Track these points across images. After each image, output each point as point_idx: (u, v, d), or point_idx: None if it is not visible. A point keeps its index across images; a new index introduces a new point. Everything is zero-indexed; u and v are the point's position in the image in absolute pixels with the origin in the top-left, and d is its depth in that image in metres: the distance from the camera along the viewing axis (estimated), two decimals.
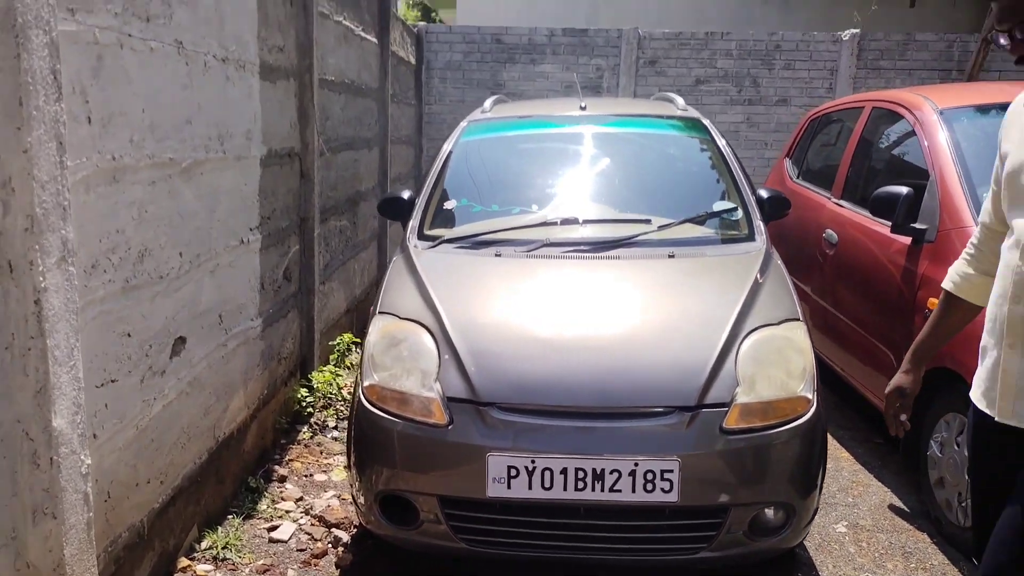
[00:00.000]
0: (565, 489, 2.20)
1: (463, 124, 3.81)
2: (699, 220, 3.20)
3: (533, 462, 2.20)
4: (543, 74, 8.07)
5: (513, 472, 2.21)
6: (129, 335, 2.12)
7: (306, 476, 3.29)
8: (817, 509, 2.42)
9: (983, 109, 3.47)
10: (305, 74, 3.72)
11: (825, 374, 2.49)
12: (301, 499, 3.08)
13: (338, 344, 4.33)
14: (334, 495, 3.13)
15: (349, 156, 4.86)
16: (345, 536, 2.84)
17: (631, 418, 2.26)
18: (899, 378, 1.89)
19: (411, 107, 7.61)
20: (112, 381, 2.03)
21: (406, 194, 3.47)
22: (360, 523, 2.75)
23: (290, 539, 2.79)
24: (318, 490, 3.18)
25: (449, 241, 3.09)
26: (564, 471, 2.19)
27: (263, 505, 2.99)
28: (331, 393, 3.93)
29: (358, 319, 5.24)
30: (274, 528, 2.83)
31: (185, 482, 2.52)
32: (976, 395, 1.65)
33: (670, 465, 2.18)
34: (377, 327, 2.60)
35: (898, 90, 4.16)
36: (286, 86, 3.49)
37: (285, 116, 3.49)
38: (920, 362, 1.88)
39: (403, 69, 6.99)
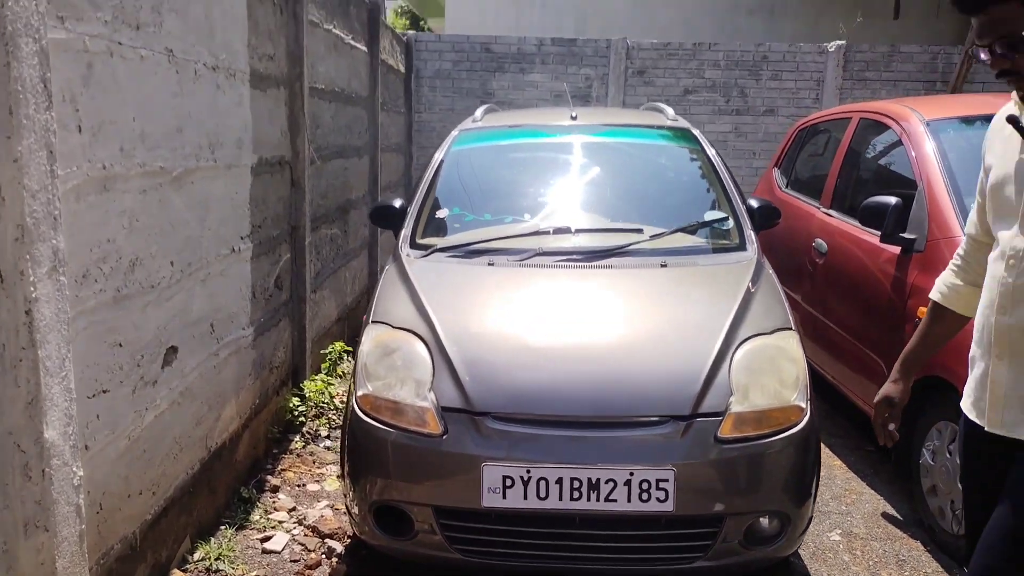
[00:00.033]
0: (561, 499, 2.19)
1: (454, 133, 3.82)
2: (691, 230, 3.21)
3: (528, 472, 2.19)
4: (532, 83, 8.10)
5: (508, 482, 2.20)
6: (120, 345, 2.09)
7: (299, 486, 3.27)
8: (812, 518, 2.43)
9: (968, 120, 3.52)
10: (295, 82, 3.71)
11: (816, 382, 2.50)
12: (294, 509, 3.05)
13: (330, 353, 4.31)
14: (327, 505, 3.11)
15: (339, 164, 4.85)
16: (339, 546, 2.82)
17: (626, 427, 2.26)
18: (888, 388, 1.89)
19: (401, 115, 7.61)
20: (104, 391, 2.01)
21: (397, 203, 3.46)
22: (354, 533, 2.72)
23: (283, 550, 2.76)
24: (311, 500, 3.16)
25: (442, 250, 3.09)
26: (559, 481, 2.19)
27: (256, 515, 2.96)
28: (323, 402, 3.91)
29: (349, 327, 5.22)
30: (267, 539, 2.81)
31: (177, 493, 2.50)
32: (966, 405, 1.66)
33: (665, 474, 2.18)
34: (370, 336, 2.59)
35: (885, 101, 4.21)
36: (276, 94, 3.48)
37: (276, 124, 3.48)
38: (909, 372, 1.89)
39: (393, 77, 6.99)
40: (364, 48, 5.55)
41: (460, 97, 8.11)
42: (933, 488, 2.94)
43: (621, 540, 2.28)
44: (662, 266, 2.90)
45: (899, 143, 3.62)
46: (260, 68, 3.21)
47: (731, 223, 3.27)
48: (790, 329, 2.55)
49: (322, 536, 2.87)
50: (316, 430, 3.77)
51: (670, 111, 4.08)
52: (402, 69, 7.63)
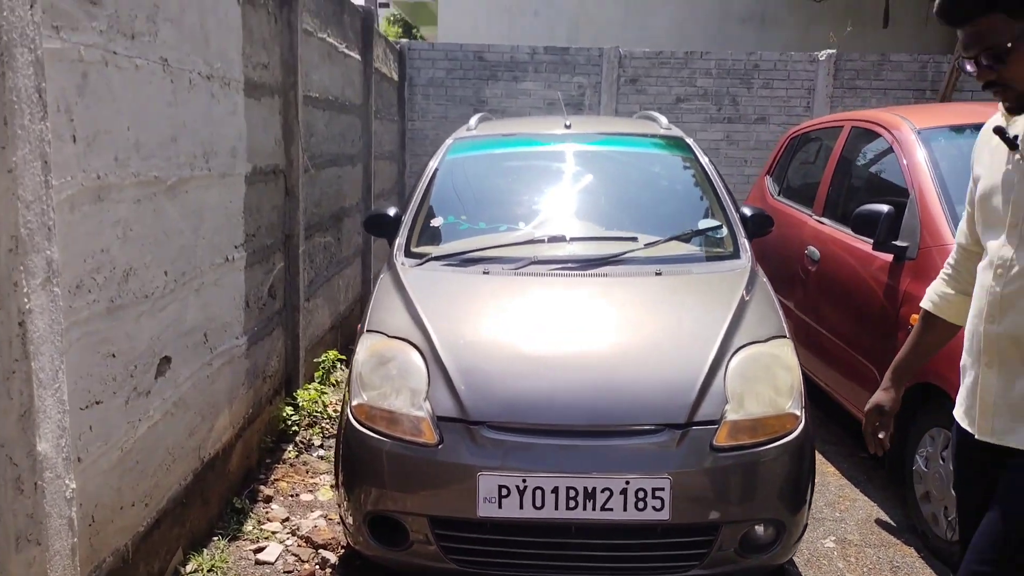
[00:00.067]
0: (556, 508, 2.19)
1: (449, 141, 3.82)
2: (685, 238, 3.22)
3: (524, 481, 2.19)
4: (525, 91, 8.13)
5: (504, 491, 2.19)
6: (114, 356, 2.08)
7: (292, 496, 3.25)
8: (806, 525, 2.43)
9: (959, 129, 3.54)
10: (290, 91, 3.71)
11: (809, 389, 2.51)
12: (287, 519, 3.04)
13: (323, 361, 4.30)
14: (321, 515, 3.09)
15: (333, 172, 4.85)
16: (333, 557, 2.80)
17: (622, 436, 2.26)
18: (879, 396, 1.90)
19: (394, 123, 7.62)
20: (97, 403, 1.99)
21: (392, 211, 3.46)
22: (348, 544, 2.71)
23: (276, 561, 2.75)
24: (304, 510, 3.14)
25: (436, 258, 3.08)
26: (555, 490, 2.18)
27: (249, 526, 2.94)
28: (316, 411, 3.89)
29: (343, 335, 5.20)
30: (260, 550, 2.79)
31: (170, 504, 2.48)
32: (959, 413, 1.68)
33: (661, 483, 2.18)
34: (365, 346, 2.58)
35: (876, 110, 4.24)
36: (271, 103, 3.48)
37: (270, 133, 3.48)
38: (900, 380, 1.89)
39: (386, 86, 7.00)
40: (358, 56, 5.55)
41: (453, 105, 8.13)
42: (926, 494, 2.95)
43: (617, 549, 2.27)
44: (657, 274, 2.90)
45: (891, 151, 3.65)
46: (254, 77, 3.21)
47: (725, 231, 3.28)
48: (785, 337, 2.56)
49: (316, 546, 2.86)
50: (309, 439, 3.75)
51: (663, 120, 4.10)
52: (395, 77, 7.64)
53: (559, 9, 11.25)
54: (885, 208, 3.25)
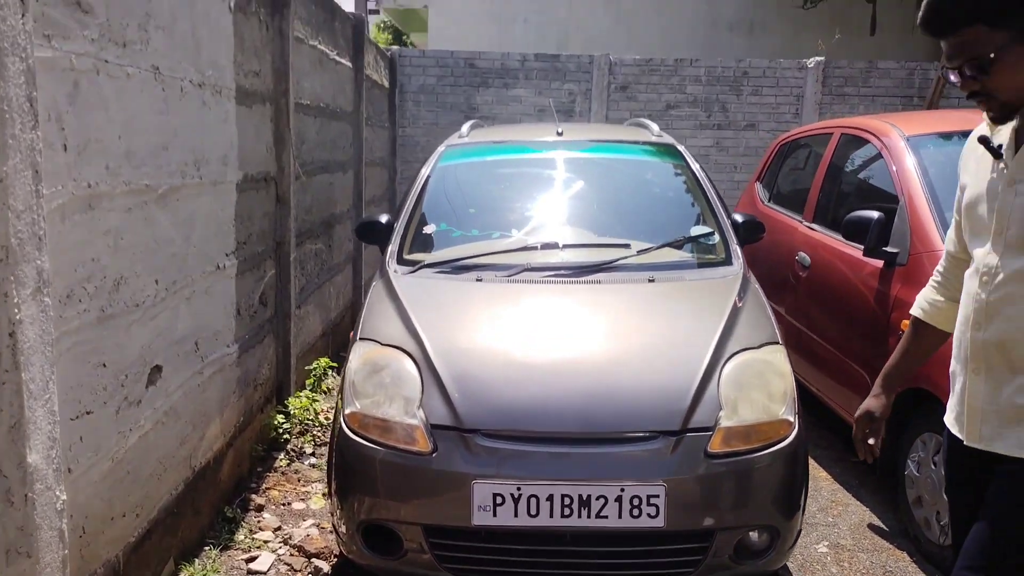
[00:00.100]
0: (551, 516, 2.18)
1: (441, 149, 3.82)
2: (677, 244, 3.23)
3: (519, 489, 2.18)
4: (516, 98, 8.14)
5: (499, 500, 2.19)
6: (104, 365, 2.07)
7: (284, 504, 3.23)
8: (800, 531, 2.44)
9: (947, 136, 3.58)
10: (281, 98, 3.70)
11: (800, 394, 2.52)
12: (279, 528, 3.02)
13: (314, 369, 4.28)
14: (313, 524, 3.07)
15: (324, 179, 4.84)
16: (325, 566, 2.78)
17: (616, 443, 2.26)
18: (869, 402, 1.91)
19: (385, 130, 7.61)
20: (87, 413, 1.98)
21: (384, 218, 3.45)
22: (341, 553, 2.69)
23: (269, 570, 2.73)
24: (296, 519, 3.12)
25: (429, 266, 3.08)
26: (550, 498, 2.18)
27: (240, 535, 2.92)
28: (308, 419, 3.87)
29: (334, 342, 5.19)
30: (252, 559, 2.77)
31: (161, 514, 2.46)
32: (949, 419, 1.69)
33: (656, 490, 2.18)
34: (358, 354, 2.57)
35: (865, 117, 4.27)
36: (262, 110, 3.47)
37: (261, 140, 3.47)
38: (890, 387, 1.90)
39: (377, 92, 6.99)
40: (349, 63, 5.55)
41: (444, 112, 8.13)
42: (918, 499, 2.97)
43: (612, 556, 2.27)
44: (650, 281, 2.91)
45: (880, 158, 3.68)
46: (246, 84, 3.20)
47: (717, 238, 3.29)
48: (778, 343, 2.57)
49: (308, 556, 2.84)
50: (301, 447, 3.73)
51: (655, 127, 4.12)
52: (386, 84, 7.64)
53: (549, 16, 11.30)
54: (875, 214, 3.27)
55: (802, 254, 4.09)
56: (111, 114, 2.05)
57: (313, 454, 3.71)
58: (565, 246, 3.17)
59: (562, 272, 2.96)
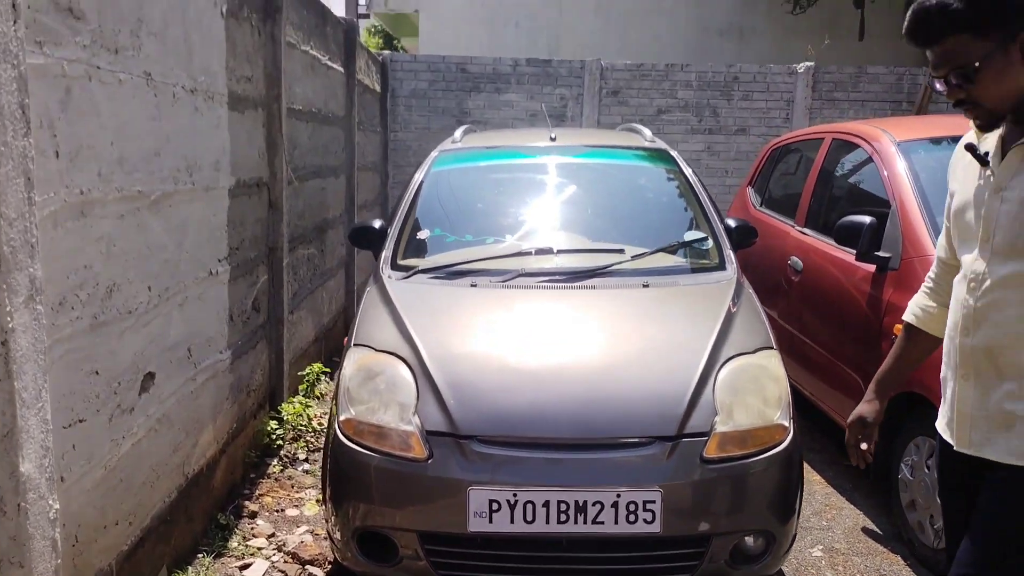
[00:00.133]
0: (548, 522, 2.18)
1: (434, 154, 3.81)
2: (672, 249, 3.24)
3: (515, 495, 2.18)
4: (508, 103, 8.16)
5: (495, 506, 2.18)
6: (97, 373, 2.05)
7: (277, 511, 3.21)
8: (796, 535, 2.44)
9: (937, 141, 3.60)
10: (273, 104, 3.69)
11: (794, 398, 2.53)
12: (273, 535, 3.00)
13: (307, 374, 4.26)
14: (307, 530, 3.05)
15: (316, 184, 4.82)
16: (320, 573, 2.77)
17: (612, 449, 2.26)
18: (861, 408, 1.91)
19: (377, 134, 7.60)
20: (80, 421, 1.96)
21: (377, 223, 3.45)
22: (335, 559, 2.68)
23: None
24: (290, 525, 3.10)
25: (423, 271, 3.07)
26: (546, 504, 2.18)
27: (234, 542, 2.90)
28: (301, 425, 3.85)
29: (327, 348, 5.17)
30: (246, 566, 2.75)
31: (154, 522, 2.44)
32: (941, 425, 1.70)
33: (652, 496, 2.18)
34: (353, 360, 2.56)
35: (856, 122, 4.30)
36: (254, 116, 3.46)
37: (253, 146, 3.46)
38: (883, 392, 1.90)
39: (369, 97, 6.99)
40: (340, 68, 5.54)
41: (436, 116, 8.14)
42: (912, 503, 2.98)
43: (608, 562, 2.27)
44: (644, 286, 2.91)
45: (871, 163, 3.70)
46: (238, 90, 3.19)
47: (711, 243, 3.30)
48: (772, 348, 2.58)
49: (302, 563, 2.82)
50: (294, 453, 3.71)
51: (647, 132, 4.13)
52: (378, 89, 7.63)
53: (540, 21, 11.32)
54: (867, 219, 3.28)
55: (794, 259, 4.11)
56: (103, 120, 2.04)
57: (306, 460, 3.69)
58: (559, 251, 3.18)
59: (557, 277, 2.97)
